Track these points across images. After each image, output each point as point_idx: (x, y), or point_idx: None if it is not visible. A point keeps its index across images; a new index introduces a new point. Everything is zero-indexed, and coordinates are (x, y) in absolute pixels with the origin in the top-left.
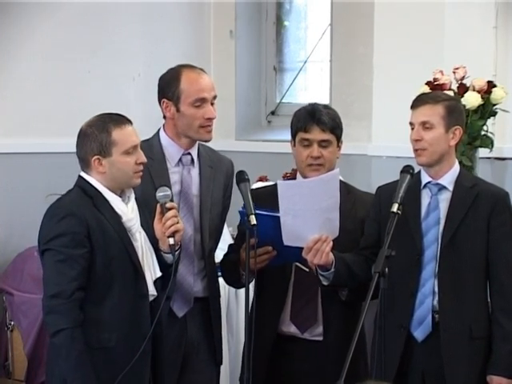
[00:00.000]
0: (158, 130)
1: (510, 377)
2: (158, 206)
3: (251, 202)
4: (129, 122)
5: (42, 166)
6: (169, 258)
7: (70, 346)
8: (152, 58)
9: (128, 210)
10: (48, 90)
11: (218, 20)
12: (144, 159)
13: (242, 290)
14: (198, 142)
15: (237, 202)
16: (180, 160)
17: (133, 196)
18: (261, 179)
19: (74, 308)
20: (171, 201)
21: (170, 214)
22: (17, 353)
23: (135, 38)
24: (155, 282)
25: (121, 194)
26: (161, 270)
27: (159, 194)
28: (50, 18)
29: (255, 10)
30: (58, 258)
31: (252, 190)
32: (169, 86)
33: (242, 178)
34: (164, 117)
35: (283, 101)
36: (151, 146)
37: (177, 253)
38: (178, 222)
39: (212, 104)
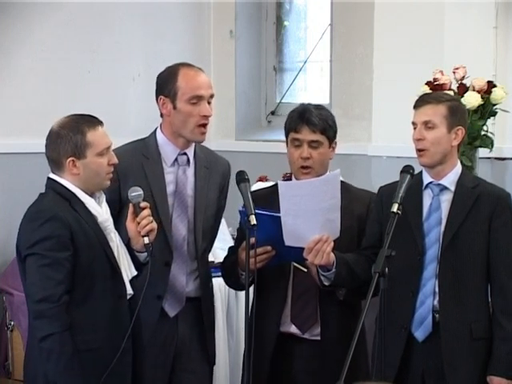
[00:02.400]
0: (155, 129)
1: (510, 378)
2: (131, 205)
3: (251, 202)
4: (100, 123)
5: (42, 166)
6: (141, 256)
7: (59, 351)
8: (152, 58)
9: (103, 211)
10: (48, 90)
11: (218, 20)
12: (115, 160)
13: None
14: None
15: (236, 202)
16: (176, 160)
17: (103, 197)
18: (261, 179)
19: (62, 312)
20: (144, 200)
21: (144, 213)
22: (17, 353)
23: (135, 38)
24: (131, 281)
25: (91, 195)
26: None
27: (132, 194)
28: (50, 18)
29: (255, 10)
30: (43, 262)
31: (251, 192)
32: (166, 83)
33: (242, 178)
34: (161, 115)
35: (283, 101)
36: (147, 145)
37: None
38: (152, 222)
39: (209, 103)
